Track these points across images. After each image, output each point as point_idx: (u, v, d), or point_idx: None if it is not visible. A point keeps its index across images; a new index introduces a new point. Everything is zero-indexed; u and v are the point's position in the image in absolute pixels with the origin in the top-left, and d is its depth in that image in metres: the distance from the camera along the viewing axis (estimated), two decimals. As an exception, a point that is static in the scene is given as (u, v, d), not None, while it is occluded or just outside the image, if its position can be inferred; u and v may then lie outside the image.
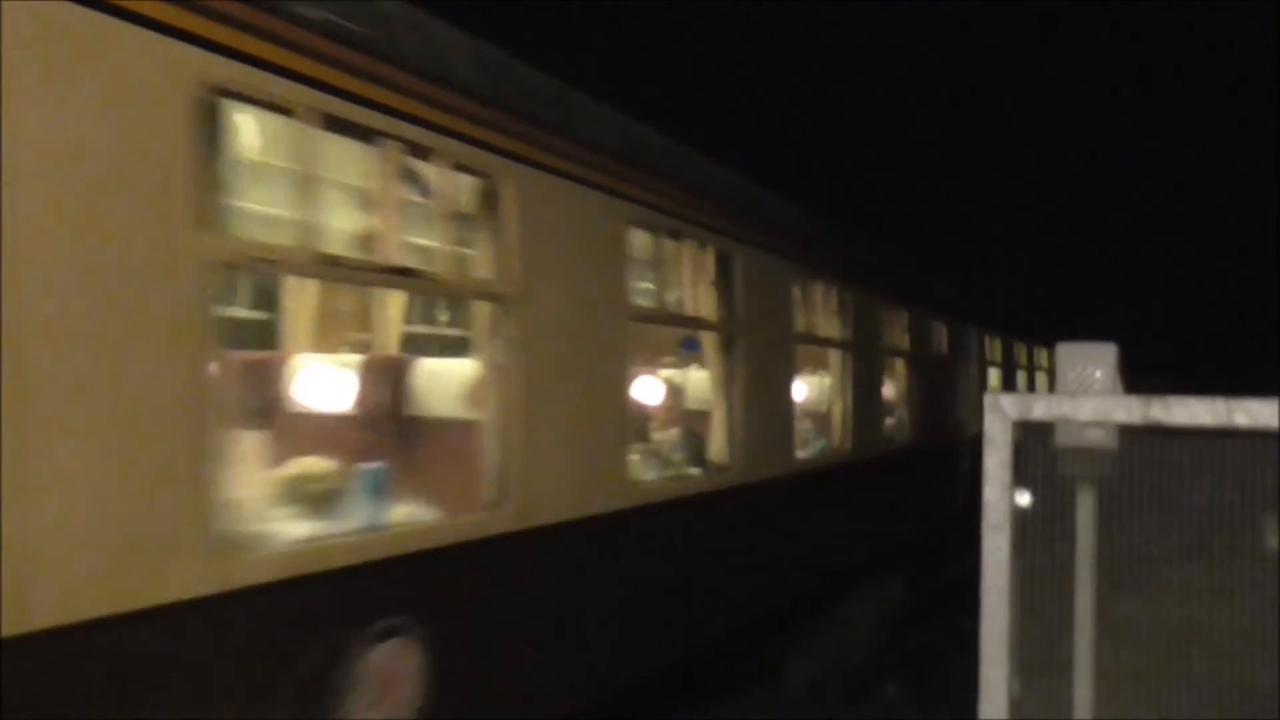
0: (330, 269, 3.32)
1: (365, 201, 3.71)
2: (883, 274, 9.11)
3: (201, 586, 2.73)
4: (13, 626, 2.28)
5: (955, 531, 10.29)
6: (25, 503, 2.32)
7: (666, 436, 5.91)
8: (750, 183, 6.81)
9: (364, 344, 4.83)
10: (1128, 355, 2.89)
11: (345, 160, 3.62)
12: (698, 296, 5.60)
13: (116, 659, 2.55)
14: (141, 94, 2.63)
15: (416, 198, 3.81)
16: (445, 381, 4.22)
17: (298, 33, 3.11)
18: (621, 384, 4.82)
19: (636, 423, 5.37)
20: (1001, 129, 34.50)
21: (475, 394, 3.99)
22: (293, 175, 3.28)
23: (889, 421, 9.14)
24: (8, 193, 2.29)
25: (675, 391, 6.25)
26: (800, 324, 7.12)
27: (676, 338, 6.71)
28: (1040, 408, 2.60)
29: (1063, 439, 2.77)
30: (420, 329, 6.20)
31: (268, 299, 5.00)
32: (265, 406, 4.04)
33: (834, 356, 7.83)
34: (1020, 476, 2.63)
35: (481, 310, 3.95)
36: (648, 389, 5.79)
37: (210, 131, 2.83)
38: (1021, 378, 16.11)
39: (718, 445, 5.84)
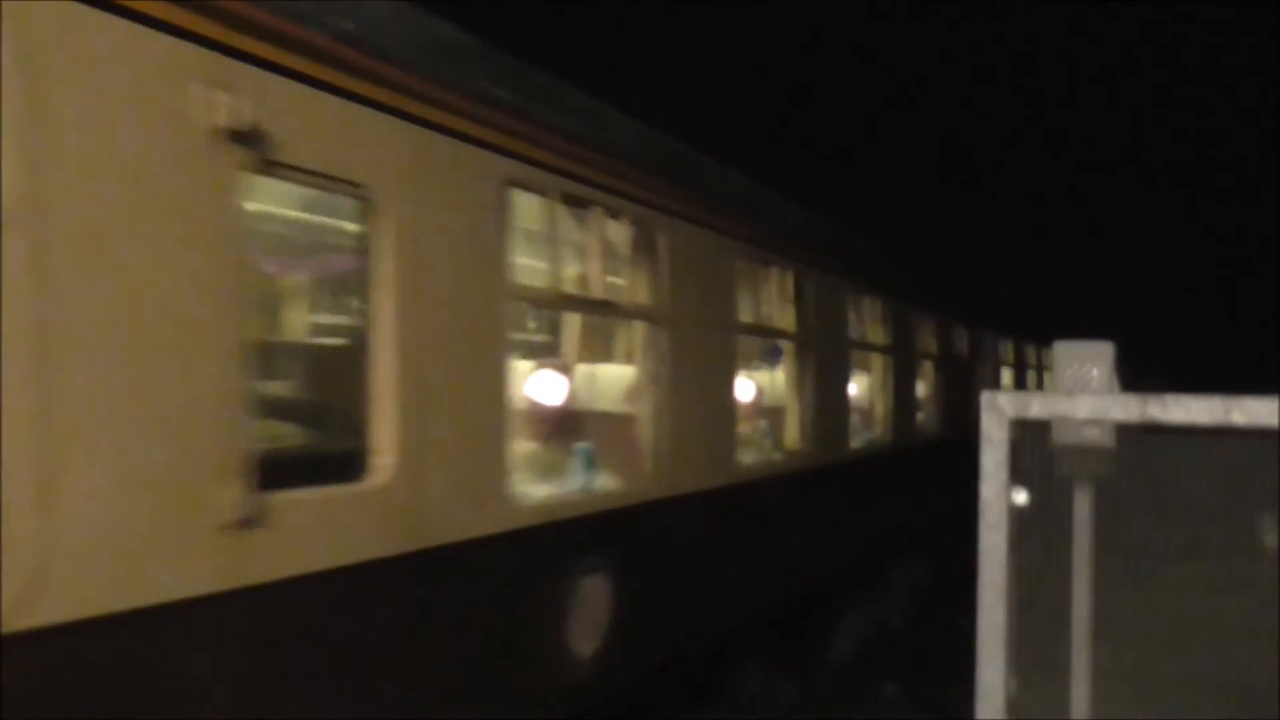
0: (564, 302, 4.83)
1: (580, 252, 4.84)
2: (916, 286, 10.37)
3: (501, 525, 3.98)
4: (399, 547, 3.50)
5: (976, 517, 10.73)
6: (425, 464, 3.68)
7: (756, 427, 6.94)
8: (829, 220, 8.59)
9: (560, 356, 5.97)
10: (1125, 354, 2.89)
11: (571, 222, 4.74)
12: (782, 313, 6.96)
13: (461, 563, 3.84)
14: (480, 193, 3.98)
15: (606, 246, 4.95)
16: (619, 384, 5.67)
17: (564, 143, 4.51)
18: (732, 385, 6.08)
19: (739, 417, 6.34)
20: (1001, 128, 34.50)
21: (635, 394, 5.31)
22: (541, 235, 4.60)
23: (920, 417, 10.21)
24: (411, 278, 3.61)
25: (760, 390, 7.19)
26: (853, 332, 8.39)
27: (765, 347, 7.68)
28: (1037, 406, 2.60)
29: (1060, 437, 2.77)
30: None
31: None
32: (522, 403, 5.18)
33: (877, 360, 9.11)
34: (1017, 475, 2.63)
35: (640, 329, 5.24)
36: (744, 389, 6.64)
37: (504, 210, 4.08)
38: (1031, 377, 16.75)
39: (791, 435, 7.08)
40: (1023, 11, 31.07)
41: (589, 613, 4.50)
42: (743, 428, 6.38)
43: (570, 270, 4.73)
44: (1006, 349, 15.01)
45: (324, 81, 3.22)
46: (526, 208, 4.37)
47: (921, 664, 8.77)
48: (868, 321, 8.76)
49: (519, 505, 4.15)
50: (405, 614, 3.56)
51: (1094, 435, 2.71)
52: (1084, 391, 2.74)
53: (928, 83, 32.33)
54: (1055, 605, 2.86)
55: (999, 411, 2.57)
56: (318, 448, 3.63)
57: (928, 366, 10.49)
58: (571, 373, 5.48)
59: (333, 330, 4.27)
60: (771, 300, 6.84)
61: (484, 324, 3.98)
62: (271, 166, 3.02)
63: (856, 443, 8.39)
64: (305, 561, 3.07)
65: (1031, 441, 2.67)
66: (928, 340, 10.45)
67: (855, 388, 8.54)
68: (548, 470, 4.85)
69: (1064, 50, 35.19)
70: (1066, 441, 2.75)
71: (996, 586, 2.57)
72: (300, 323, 4.28)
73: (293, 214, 3.98)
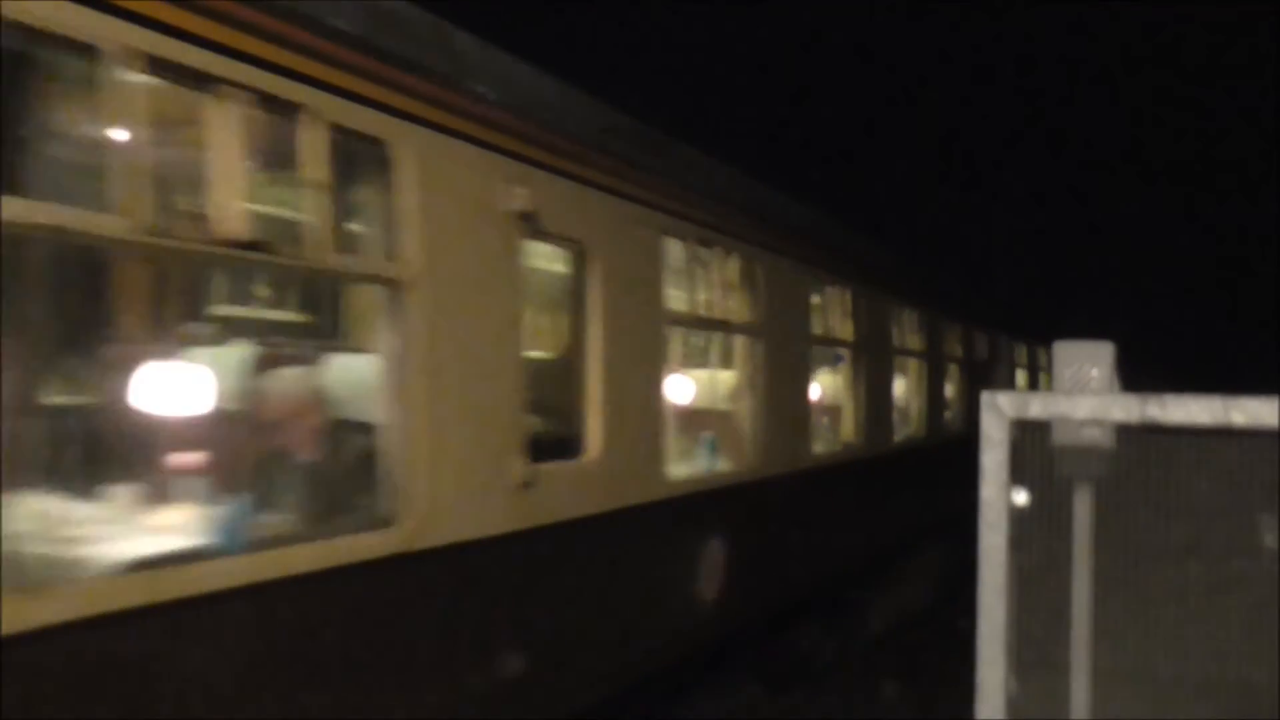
0: (696, 322, 6.15)
1: (705, 282, 6.06)
2: (945, 297, 11.75)
3: (661, 494, 5.36)
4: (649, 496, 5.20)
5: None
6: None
7: (823, 422, 8.22)
8: (877, 244, 10.16)
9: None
10: (1125, 354, 2.89)
11: (699, 259, 6.01)
12: (842, 325, 8.31)
13: (640, 521, 5.16)
14: (647, 242, 5.31)
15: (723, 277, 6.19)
16: (727, 387, 6.89)
17: (698, 199, 5.84)
18: (807, 387, 7.48)
19: (812, 413, 7.62)
20: (1001, 128, 34.49)
21: (738, 395, 6.58)
22: (679, 271, 5.87)
23: (948, 415, 11.49)
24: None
25: (825, 391, 8.39)
26: (895, 341, 9.66)
27: (829, 354, 8.87)
28: (1037, 406, 2.60)
29: (1060, 437, 2.77)
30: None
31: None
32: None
33: (914, 365, 10.40)
34: (1017, 475, 2.63)
35: (742, 342, 6.54)
36: (815, 390, 7.90)
37: (661, 254, 5.47)
38: (1043, 378, 17.45)
39: (848, 429, 8.44)
40: (1023, 11, 31.04)
41: (713, 564, 5.86)
42: (814, 422, 7.73)
43: (699, 296, 6.07)
44: (1020, 352, 16.40)
45: (568, 172, 4.58)
46: (672, 250, 5.64)
47: (921, 664, 8.77)
48: (907, 331, 10.10)
49: (670, 480, 5.52)
50: (609, 553, 4.94)
51: (1094, 435, 2.71)
52: (1084, 392, 2.74)
53: (928, 83, 32.30)
54: (1055, 605, 2.86)
55: (999, 412, 2.57)
56: (555, 434, 4.69)
57: (954, 369, 11.95)
58: (697, 378, 6.94)
59: (560, 348, 5.27)
60: (834, 315, 8.18)
61: (650, 342, 5.31)
62: (537, 233, 4.38)
63: (898, 436, 9.81)
64: (556, 513, 4.43)
65: (1031, 442, 2.67)
66: (954, 346, 11.96)
67: (897, 389, 9.90)
68: (684, 454, 6.12)
69: (1064, 50, 35.17)
70: (1066, 442, 2.75)
71: (996, 586, 2.56)
72: (541, 343, 5.41)
73: (540, 264, 5.13)
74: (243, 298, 4.74)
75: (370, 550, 3.46)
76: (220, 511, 3.19)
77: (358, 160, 3.56)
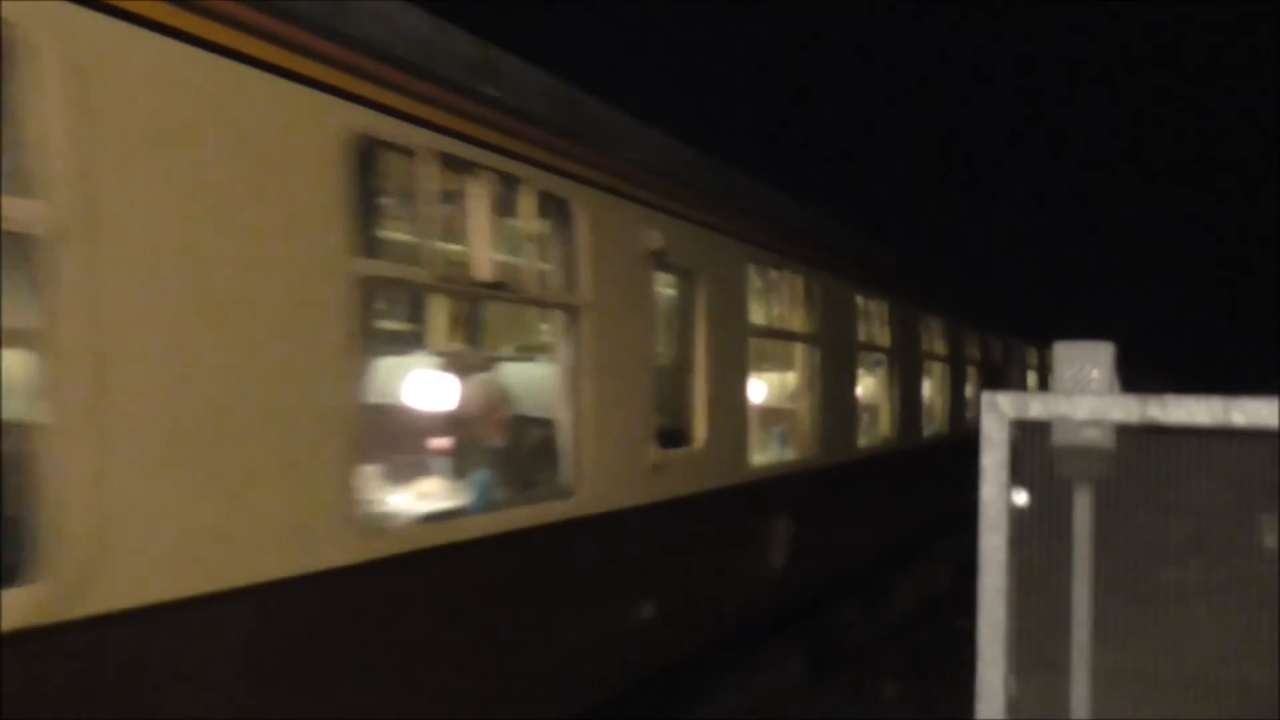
0: (771, 333, 7.17)
1: (778, 299, 7.25)
2: (967, 306, 13.10)
3: (746, 478, 6.36)
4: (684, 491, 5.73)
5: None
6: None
7: (865, 419, 9.29)
8: (908, 259, 11.39)
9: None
10: (1125, 355, 2.88)
11: (774, 280, 7.19)
12: (880, 333, 9.43)
13: (731, 500, 6.13)
14: (737, 268, 6.46)
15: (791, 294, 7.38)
16: (791, 387, 7.80)
17: (777, 230, 7.00)
18: (854, 388, 8.64)
19: (856, 411, 8.77)
20: (1001, 128, 34.48)
21: (798, 394, 7.62)
22: (759, 290, 6.94)
23: (968, 414, 12.30)
24: None
25: (866, 392, 9.54)
26: (924, 346, 10.82)
27: (870, 359, 9.91)
28: (1037, 407, 2.60)
29: (1060, 438, 2.76)
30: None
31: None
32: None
33: (939, 368, 11.63)
34: (1017, 476, 2.63)
35: (801, 349, 7.57)
36: (859, 391, 9.03)
37: (748, 278, 6.63)
38: (1052, 379, 18.29)
39: (884, 425, 9.64)
40: (1023, 11, 31.03)
41: (781, 538, 6.85)
42: (858, 419, 8.80)
43: (773, 311, 7.18)
44: (1031, 354, 17.65)
45: (685, 216, 5.65)
46: (754, 274, 6.66)
47: (921, 664, 8.77)
48: (933, 337, 11.25)
49: (752, 466, 6.54)
50: (709, 525, 5.93)
51: (1094, 436, 2.70)
52: (1084, 392, 2.74)
53: (928, 83, 32.29)
54: (1055, 605, 2.86)
55: (999, 412, 2.57)
56: (673, 427, 5.64)
57: (973, 371, 13.15)
58: (770, 380, 7.94)
59: (674, 357, 5.99)
60: (874, 324, 9.24)
61: (738, 351, 6.31)
62: (663, 265, 5.46)
63: (926, 432, 10.91)
64: (675, 490, 5.46)
65: (1031, 442, 2.67)
66: (972, 350, 13.15)
67: (925, 389, 11.03)
68: (761, 445, 7.11)
69: (1064, 50, 35.17)
70: (1066, 442, 2.75)
71: (996, 587, 2.57)
72: (663, 353, 6.01)
73: (663, 289, 5.86)
74: (475, 326, 5.87)
75: (561, 513, 4.58)
76: (473, 481, 4.42)
77: (550, 216, 4.57)
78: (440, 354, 5.18)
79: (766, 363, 7.85)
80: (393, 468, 4.52)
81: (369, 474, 3.80)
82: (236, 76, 3.09)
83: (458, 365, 5.08)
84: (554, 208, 4.56)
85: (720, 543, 6.10)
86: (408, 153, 3.76)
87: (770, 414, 7.54)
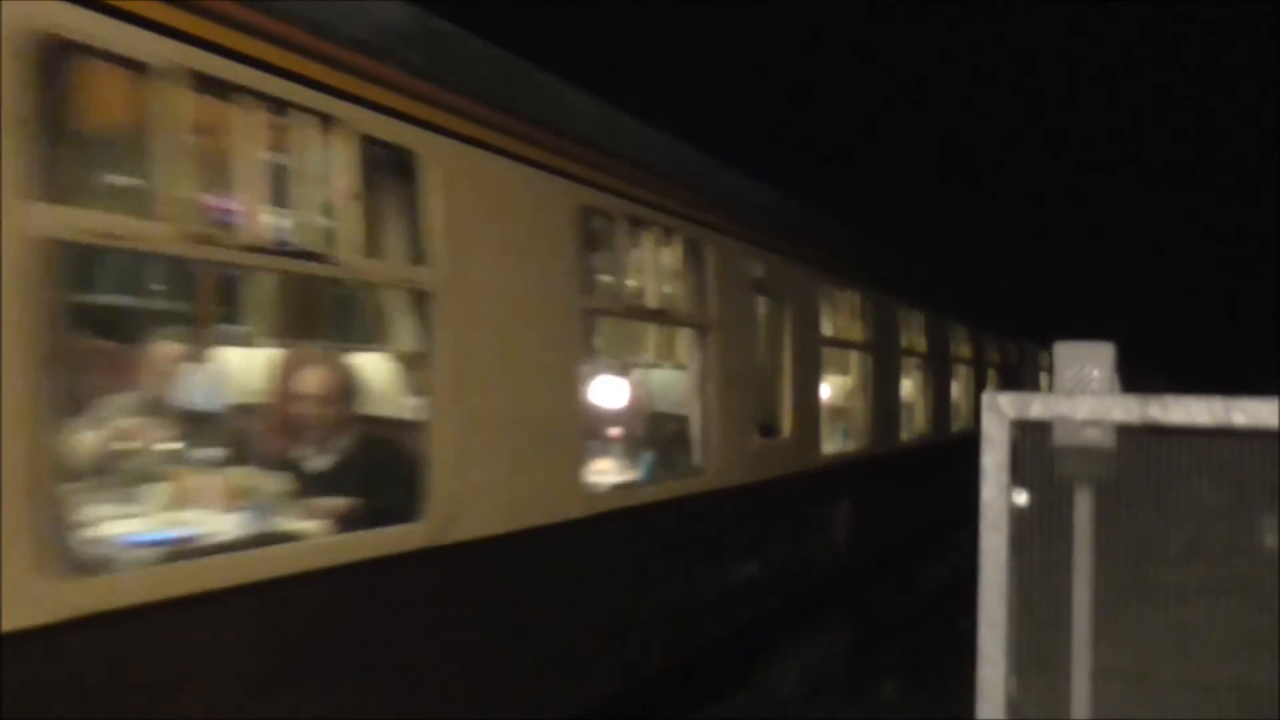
0: (837, 343, 8.40)
1: (845, 316, 8.59)
2: (986, 313, 14.57)
3: (818, 464, 7.58)
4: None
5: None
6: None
7: (904, 415, 10.44)
8: (937, 271, 13.44)
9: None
10: (1125, 355, 2.88)
11: (842, 299, 8.53)
12: (917, 340, 10.62)
13: (807, 482, 7.34)
14: (811, 294, 7.67)
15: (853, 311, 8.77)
16: (846, 389, 9.00)
17: (867, 268, 8.89)
18: (898, 388, 9.88)
19: (899, 408, 10.05)
20: (1001, 128, 34.47)
21: (854, 394, 8.88)
22: (829, 309, 8.22)
23: None
24: None
25: (906, 391, 10.72)
26: (951, 350, 12.13)
27: (909, 363, 11.06)
28: (1038, 407, 2.60)
29: (1060, 438, 2.76)
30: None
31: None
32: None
33: (963, 369, 12.91)
34: (1018, 476, 2.63)
35: (856, 356, 8.85)
36: (901, 390, 10.25)
37: (820, 299, 7.91)
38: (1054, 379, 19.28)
39: (920, 420, 10.84)
40: (1023, 11, 31.02)
41: (844, 516, 8.09)
42: (900, 416, 9.96)
43: (838, 324, 8.39)
44: (1044, 357, 18.71)
45: (778, 249, 6.94)
46: (824, 293, 7.92)
47: (921, 664, 8.77)
48: (959, 342, 12.65)
49: (823, 454, 7.83)
50: (794, 502, 7.11)
51: (1094, 436, 2.70)
52: (1084, 392, 2.74)
53: (928, 83, 32.27)
54: (1055, 605, 2.86)
55: (999, 412, 2.57)
56: (766, 420, 6.74)
57: (992, 373, 14.55)
58: (833, 383, 8.90)
59: (768, 364, 6.93)
60: (913, 332, 10.46)
61: (813, 359, 7.52)
62: (762, 291, 6.67)
63: (954, 427, 11.97)
64: (770, 473, 6.62)
65: (1032, 442, 2.67)
66: (992, 353, 14.63)
67: (953, 389, 12.26)
68: (829, 437, 8.27)
69: (1064, 50, 35.12)
70: (1067, 442, 2.74)
71: (997, 587, 2.57)
72: (758, 360, 6.84)
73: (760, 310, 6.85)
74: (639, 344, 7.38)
75: (697, 487, 5.79)
76: (642, 461, 5.69)
77: (691, 256, 5.78)
78: (616, 364, 6.31)
79: (831, 367, 8.89)
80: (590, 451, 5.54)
81: (587, 454, 4.97)
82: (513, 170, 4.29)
83: (626, 373, 6.29)
84: (693, 249, 5.80)
85: (800, 518, 7.31)
86: (617, 219, 5.10)
87: (834, 411, 8.73)
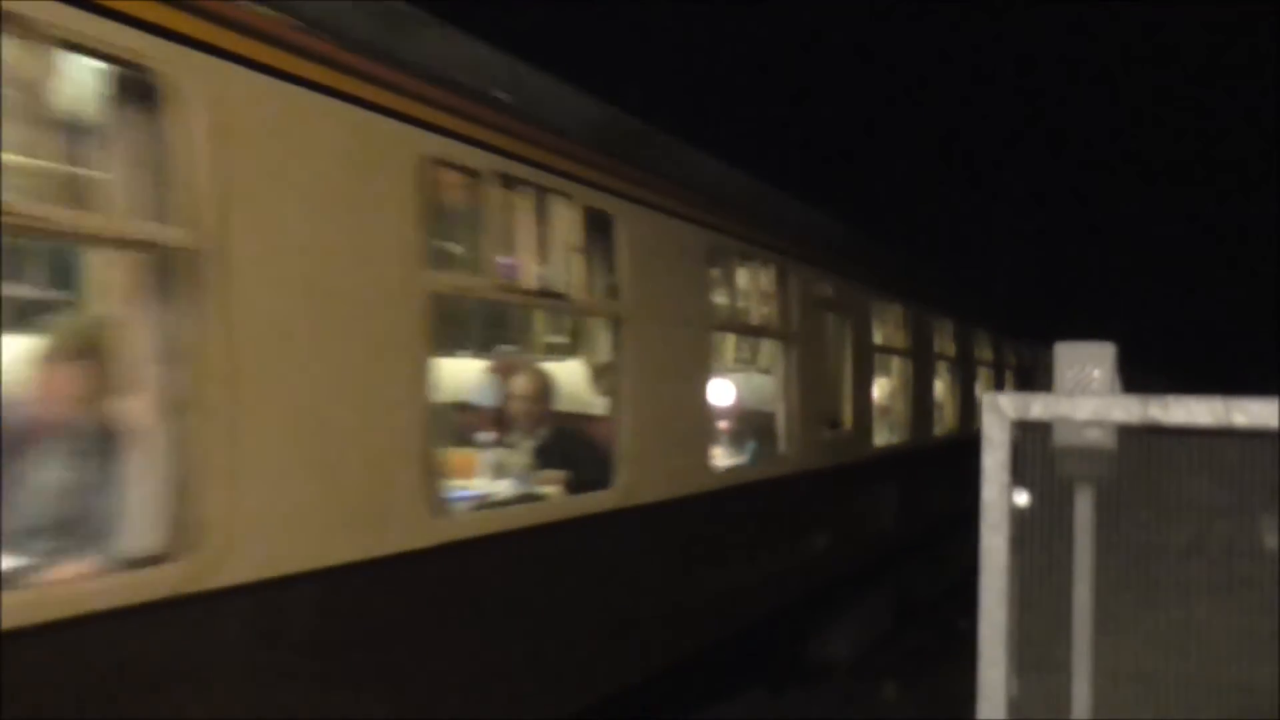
0: (888, 350, 9.76)
1: (892, 325, 9.87)
2: (1002, 319, 15.85)
3: (871, 455, 8.79)
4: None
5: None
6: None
7: (937, 412, 11.65)
8: (963, 283, 15.66)
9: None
10: (1126, 355, 2.88)
11: (887, 311, 9.69)
12: (948, 345, 11.89)
13: (864, 469, 8.52)
14: (862, 307, 8.78)
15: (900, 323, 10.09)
16: (890, 389, 10.04)
17: (892, 277, 9.84)
18: (932, 388, 11.18)
19: (933, 406, 11.32)
20: (1001, 128, 34.48)
21: (895, 392, 10.05)
22: (880, 321, 9.44)
23: None
24: None
25: (938, 391, 11.90)
26: (974, 354, 13.40)
27: (943, 366, 12.31)
28: (1038, 407, 2.60)
29: (1061, 439, 2.76)
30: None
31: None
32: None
33: (984, 371, 14.11)
34: (1019, 476, 2.63)
35: (896, 360, 10.01)
36: (935, 390, 11.56)
37: (872, 311, 9.23)
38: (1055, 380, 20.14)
39: (949, 417, 11.98)
40: (1023, 11, 31.02)
41: (891, 499, 9.32)
42: (933, 413, 11.15)
43: (885, 332, 9.52)
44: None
45: (841, 271, 7.99)
46: (874, 307, 9.07)
47: (921, 664, 8.77)
48: (981, 346, 13.89)
49: (877, 444, 8.99)
50: (850, 485, 8.07)
51: (1095, 436, 2.70)
52: (1085, 393, 2.74)
53: (928, 83, 32.27)
54: (1056, 606, 2.86)
55: (1000, 413, 2.57)
56: (830, 415, 7.75)
57: (1009, 374, 15.87)
58: (880, 384, 9.66)
59: (832, 368, 7.96)
60: (944, 340, 11.65)
61: (867, 363, 8.65)
62: (829, 307, 7.72)
63: (977, 423, 12.47)
64: (834, 460, 7.64)
65: (1033, 443, 2.67)
66: (1009, 355, 15.92)
67: (977, 388, 13.20)
68: (879, 431, 9.26)
69: (1064, 50, 35.11)
70: (1068, 443, 2.75)
71: (998, 587, 2.57)
72: (824, 367, 7.84)
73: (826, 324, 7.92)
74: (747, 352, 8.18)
75: (783, 469, 6.89)
76: (747, 448, 6.81)
77: (779, 281, 6.86)
78: (724, 370, 7.25)
79: (879, 370, 9.88)
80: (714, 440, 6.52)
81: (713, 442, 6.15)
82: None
83: (733, 377, 7.31)
84: (781, 275, 6.89)
85: (858, 499, 8.38)
86: (739, 256, 6.58)
87: (881, 408, 9.63)
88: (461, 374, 5.81)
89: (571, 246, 4.59)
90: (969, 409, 12.37)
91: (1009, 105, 34.85)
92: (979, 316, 13.88)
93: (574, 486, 4.86)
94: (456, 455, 4.73)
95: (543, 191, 4.43)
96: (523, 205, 4.34)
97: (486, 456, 4.94)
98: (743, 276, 6.65)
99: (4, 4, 2.44)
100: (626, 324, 4.97)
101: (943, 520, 11.11)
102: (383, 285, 3.51)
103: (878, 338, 9.29)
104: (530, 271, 4.41)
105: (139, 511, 2.86)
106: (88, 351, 3.18)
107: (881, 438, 9.37)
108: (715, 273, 6.12)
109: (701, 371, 5.84)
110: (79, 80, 2.81)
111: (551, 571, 4.48)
